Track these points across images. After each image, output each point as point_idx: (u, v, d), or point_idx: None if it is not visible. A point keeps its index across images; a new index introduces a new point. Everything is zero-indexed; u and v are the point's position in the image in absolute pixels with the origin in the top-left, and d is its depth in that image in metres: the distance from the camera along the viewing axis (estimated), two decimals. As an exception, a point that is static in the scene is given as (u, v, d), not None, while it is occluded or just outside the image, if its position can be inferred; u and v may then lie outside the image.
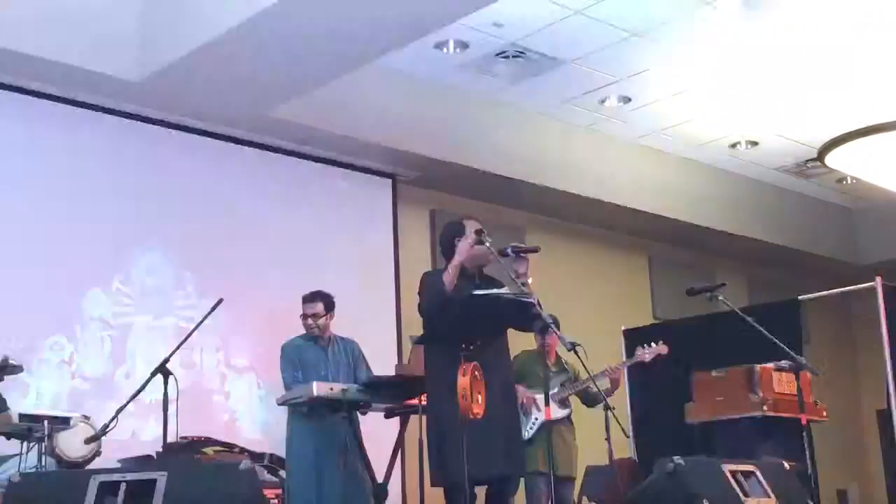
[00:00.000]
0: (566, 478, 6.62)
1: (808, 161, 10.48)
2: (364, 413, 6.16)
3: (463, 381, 4.45)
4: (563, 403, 6.71)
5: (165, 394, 5.04)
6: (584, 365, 5.07)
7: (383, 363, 7.00)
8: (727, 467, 4.36)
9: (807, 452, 6.11)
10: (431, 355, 5.13)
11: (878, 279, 7.05)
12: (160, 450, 5.54)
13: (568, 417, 6.75)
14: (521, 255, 5.11)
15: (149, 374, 5.19)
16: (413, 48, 7.58)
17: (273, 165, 8.14)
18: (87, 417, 6.02)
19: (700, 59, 8.23)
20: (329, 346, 6.33)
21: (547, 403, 5.06)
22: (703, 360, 6.90)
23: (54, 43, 6.62)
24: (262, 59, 6.75)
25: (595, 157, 9.68)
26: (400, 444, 6.34)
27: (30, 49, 6.55)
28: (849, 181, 11.09)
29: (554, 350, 6.68)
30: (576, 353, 4.83)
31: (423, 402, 5.39)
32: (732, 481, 4.30)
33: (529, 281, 5.06)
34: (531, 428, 6.47)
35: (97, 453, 5.77)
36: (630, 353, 7.23)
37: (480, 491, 5.02)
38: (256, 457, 6.60)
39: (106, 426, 5.37)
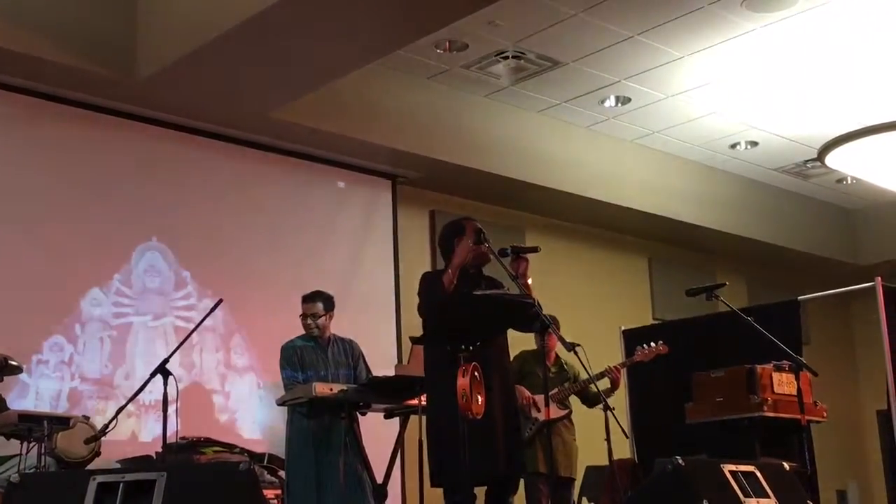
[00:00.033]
0: (566, 478, 6.63)
1: (807, 161, 10.49)
2: (364, 413, 6.16)
3: (462, 381, 4.44)
4: (563, 404, 6.72)
5: (165, 394, 5.03)
6: (584, 365, 5.07)
7: (383, 363, 7.01)
8: (727, 468, 4.35)
9: (806, 453, 6.12)
10: (431, 356, 5.13)
11: (878, 279, 7.05)
12: (160, 450, 5.54)
13: (568, 418, 6.75)
14: (521, 255, 5.11)
15: (148, 375, 5.19)
16: (413, 48, 7.60)
17: (273, 166, 8.15)
18: (86, 418, 6.04)
19: (700, 60, 8.24)
20: (329, 346, 6.33)
21: (547, 404, 5.06)
22: (703, 361, 6.89)
23: (54, 43, 6.63)
24: (261, 60, 6.75)
25: (595, 158, 9.68)
26: (399, 445, 6.34)
27: (29, 49, 6.55)
28: (849, 181, 11.09)
29: (554, 350, 6.69)
30: (575, 353, 4.83)
31: (423, 403, 5.40)
32: (732, 482, 4.29)
33: (529, 281, 5.06)
34: (531, 428, 6.47)
35: (97, 453, 5.78)
36: (630, 353, 7.23)
37: (480, 491, 5.02)
38: (256, 457, 6.62)
39: (105, 426, 5.37)
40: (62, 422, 5.73)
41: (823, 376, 6.20)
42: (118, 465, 6.09)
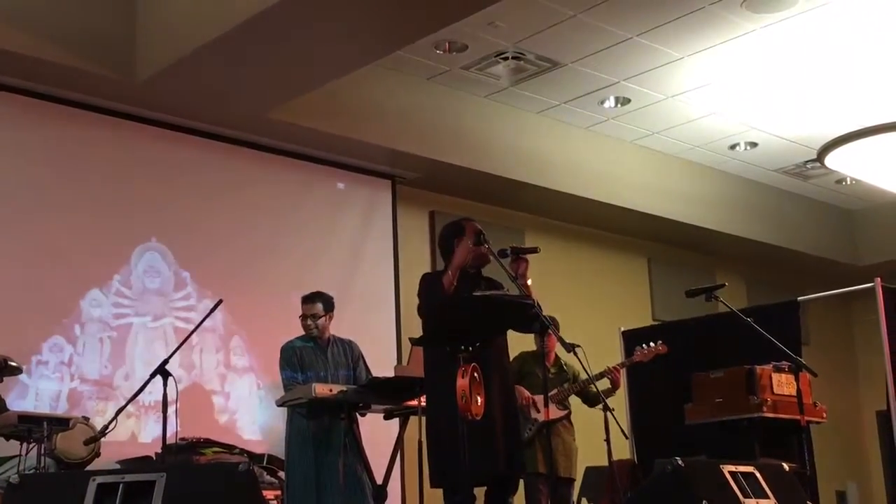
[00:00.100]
0: (566, 479, 6.63)
1: (807, 162, 10.49)
2: (363, 414, 6.16)
3: (462, 382, 4.44)
4: (563, 404, 6.72)
5: (165, 395, 5.04)
6: (583, 366, 5.07)
7: (383, 364, 7.00)
8: (726, 468, 4.35)
9: (806, 454, 6.12)
10: (431, 356, 5.13)
11: (878, 280, 7.05)
12: (159, 451, 5.54)
13: (567, 418, 6.75)
14: (521, 255, 5.11)
15: (148, 375, 5.19)
16: (412, 49, 7.60)
17: (273, 166, 8.15)
18: (86, 418, 6.04)
19: (699, 61, 8.24)
20: (328, 346, 6.33)
21: (546, 404, 5.06)
22: (703, 362, 6.89)
23: (54, 44, 6.63)
24: (261, 61, 6.75)
25: (594, 159, 9.68)
26: (399, 446, 6.34)
27: (29, 50, 6.55)
28: (848, 182, 11.10)
29: (553, 351, 6.69)
30: (575, 354, 4.84)
31: (423, 404, 5.40)
32: (732, 482, 4.29)
33: (529, 282, 5.07)
34: (530, 429, 6.47)
35: (96, 454, 5.78)
36: (629, 353, 7.23)
37: (480, 492, 5.02)
38: (255, 458, 6.62)
39: (105, 427, 5.37)
40: (62, 423, 5.73)
41: (823, 377, 6.21)
42: (118, 466, 6.09)
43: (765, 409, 6.28)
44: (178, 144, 7.67)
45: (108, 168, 7.31)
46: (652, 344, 6.87)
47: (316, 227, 8.29)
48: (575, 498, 7.01)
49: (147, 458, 6.54)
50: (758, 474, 4.47)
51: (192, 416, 6.65)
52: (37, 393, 6.69)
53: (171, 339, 7.24)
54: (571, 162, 9.50)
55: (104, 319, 7.10)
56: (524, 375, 6.54)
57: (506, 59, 8.11)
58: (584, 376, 6.55)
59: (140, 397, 5.57)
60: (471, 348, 4.55)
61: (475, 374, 4.51)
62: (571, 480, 6.75)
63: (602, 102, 9.03)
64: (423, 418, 5.27)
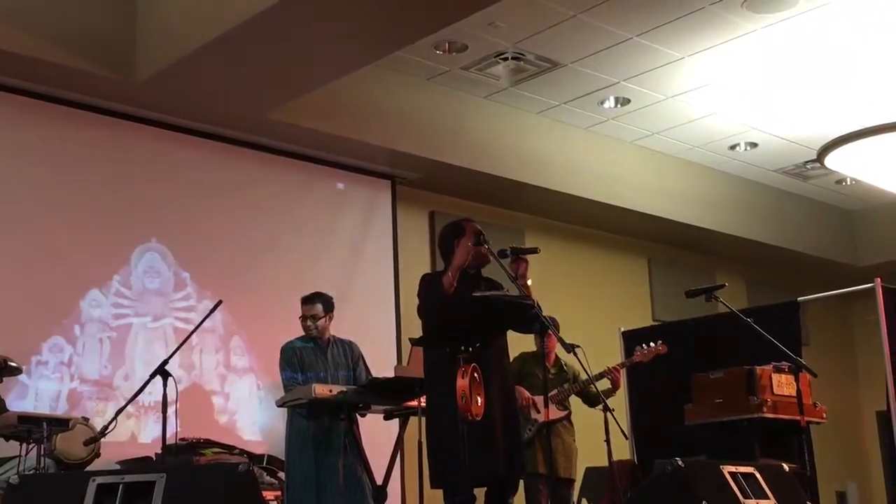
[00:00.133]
0: (566, 479, 6.63)
1: (807, 162, 10.49)
2: (363, 415, 6.16)
3: (462, 382, 4.44)
4: (563, 405, 6.72)
5: (164, 395, 5.04)
6: (583, 366, 5.07)
7: (382, 365, 7.00)
8: (726, 469, 4.35)
9: (806, 454, 6.12)
10: (430, 357, 5.13)
11: (878, 281, 7.05)
12: (159, 451, 5.54)
13: (567, 419, 6.75)
14: (521, 256, 5.11)
15: (148, 376, 5.19)
16: (412, 49, 7.60)
17: (272, 167, 8.15)
18: (86, 419, 6.04)
19: (699, 61, 8.24)
20: (328, 347, 6.33)
21: (546, 405, 5.06)
22: (703, 362, 6.90)
23: (54, 45, 6.63)
24: (261, 61, 6.75)
25: (594, 159, 9.68)
26: (399, 446, 6.34)
27: (28, 51, 6.55)
28: (848, 183, 11.10)
29: (553, 352, 6.69)
30: (575, 355, 4.84)
31: (423, 404, 5.39)
32: (732, 483, 4.29)
33: (529, 282, 5.07)
34: (530, 429, 6.47)
35: (96, 455, 5.78)
36: (629, 354, 7.23)
37: (480, 493, 5.02)
38: (255, 458, 6.62)
39: (105, 428, 5.38)
40: (61, 423, 5.73)
41: (823, 377, 6.21)
42: (118, 467, 6.10)
43: (765, 409, 6.28)
44: (178, 145, 7.67)
45: (108, 168, 7.31)
46: (652, 344, 6.87)
47: (316, 228, 8.29)
48: (575, 498, 7.01)
49: (147, 458, 6.54)
50: (758, 475, 4.47)
51: (192, 416, 6.64)
52: (36, 393, 6.69)
53: (170, 340, 7.24)
54: (571, 162, 9.50)
55: (104, 320, 7.10)
56: (524, 376, 6.53)
57: (506, 59, 8.11)
58: (584, 377, 6.55)
59: (140, 398, 5.57)
60: (471, 349, 4.55)
61: (475, 375, 4.51)
62: (571, 481, 6.75)
63: (602, 103, 9.03)
64: (423, 419, 5.27)
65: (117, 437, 6.26)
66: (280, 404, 6.01)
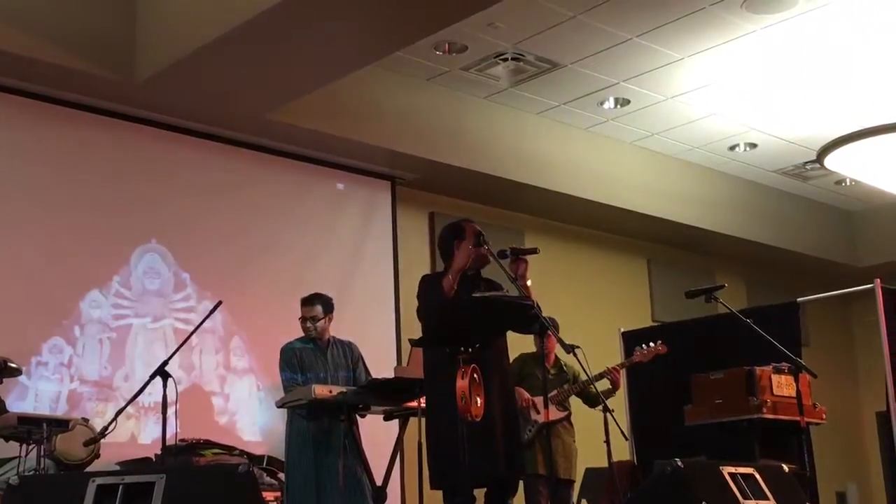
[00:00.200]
0: (565, 480, 6.63)
1: (806, 163, 10.49)
2: (363, 415, 6.16)
3: (462, 383, 4.44)
4: (563, 405, 6.72)
5: (164, 396, 5.04)
6: (583, 367, 5.07)
7: (382, 365, 7.00)
8: (726, 470, 4.35)
9: (806, 455, 6.12)
10: (430, 358, 5.13)
11: (877, 281, 7.05)
12: (159, 452, 5.54)
13: (567, 419, 6.75)
14: (520, 256, 5.11)
15: (148, 377, 5.19)
16: (412, 50, 7.60)
17: (272, 167, 8.15)
18: (85, 420, 6.04)
19: (699, 62, 8.24)
20: (328, 348, 6.33)
21: (546, 406, 5.06)
22: (702, 363, 6.89)
23: (53, 45, 6.63)
24: (261, 61, 6.75)
25: (594, 160, 9.68)
26: (399, 447, 6.34)
27: (28, 51, 6.55)
28: (848, 183, 11.10)
29: (553, 352, 6.69)
30: (575, 355, 4.84)
31: (422, 405, 5.39)
32: (731, 484, 4.29)
33: (528, 283, 5.06)
34: (530, 430, 6.47)
35: (96, 456, 5.78)
36: (629, 355, 7.23)
37: (480, 493, 5.02)
38: (255, 459, 6.62)
39: (105, 428, 5.38)
40: (61, 424, 5.73)
41: (823, 378, 6.20)
42: (117, 468, 6.09)
43: (764, 410, 6.28)
44: (177, 145, 7.67)
45: (108, 169, 7.31)
46: (651, 344, 6.87)
47: (315, 228, 8.29)
48: (575, 499, 7.00)
49: (147, 459, 6.54)
50: (757, 475, 4.47)
51: (192, 417, 6.64)
52: (36, 394, 6.69)
53: (170, 341, 7.23)
54: (571, 163, 9.50)
55: (104, 320, 7.10)
56: (524, 377, 6.53)
57: (505, 59, 8.11)
58: (584, 377, 6.55)
59: (140, 398, 5.56)
60: (470, 350, 4.55)
61: (475, 376, 4.51)
62: (571, 482, 6.74)
63: (602, 103, 9.03)
64: (423, 419, 5.27)
65: (117, 438, 6.26)
66: (280, 405, 6.01)
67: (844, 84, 8.72)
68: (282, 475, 6.37)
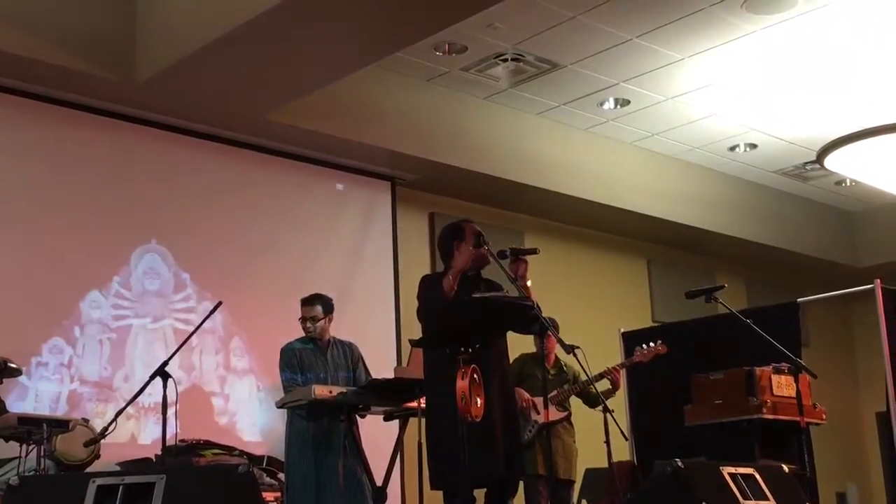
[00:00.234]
0: (565, 480, 6.62)
1: (806, 164, 10.49)
2: (363, 416, 6.16)
3: (462, 383, 4.44)
4: (563, 406, 6.72)
5: (164, 396, 5.04)
6: (583, 367, 5.07)
7: (382, 366, 7.00)
8: (726, 470, 4.35)
9: (806, 455, 6.12)
10: (430, 358, 5.13)
11: (877, 282, 7.05)
12: (159, 453, 5.54)
13: (567, 420, 6.75)
14: (520, 257, 5.11)
15: (148, 377, 5.19)
16: (412, 50, 7.61)
17: (272, 168, 8.15)
18: (85, 420, 6.04)
19: (699, 62, 8.24)
20: (328, 348, 6.33)
21: (546, 406, 5.06)
22: (702, 363, 6.90)
23: (54, 46, 6.63)
24: (261, 62, 6.75)
25: (594, 160, 9.69)
26: (399, 447, 6.34)
27: (29, 52, 6.55)
28: (848, 184, 11.10)
29: (553, 353, 6.69)
30: (575, 356, 4.84)
31: (423, 405, 5.39)
32: (731, 484, 4.29)
33: (528, 283, 5.06)
34: (530, 430, 6.47)
35: (96, 456, 5.78)
36: (629, 355, 7.22)
37: (479, 494, 5.02)
38: (255, 459, 6.62)
39: (105, 429, 5.38)
40: (61, 424, 5.73)
41: (823, 378, 6.20)
42: (117, 468, 6.10)
43: (764, 410, 6.28)
44: (177, 146, 7.67)
45: (108, 169, 7.31)
46: (651, 344, 6.87)
47: (316, 229, 8.29)
48: (574, 500, 7.00)
49: (147, 459, 6.54)
50: (757, 476, 4.47)
51: (192, 417, 6.64)
52: (36, 395, 6.69)
53: (170, 341, 7.23)
54: (571, 163, 9.50)
55: (104, 321, 7.10)
56: (524, 377, 6.53)
57: (505, 60, 8.11)
58: (584, 378, 6.55)
59: (140, 399, 5.57)
60: (470, 350, 4.55)
61: (475, 376, 4.51)
62: (571, 482, 6.74)
63: (601, 104, 9.03)
64: (423, 420, 5.27)
65: (117, 439, 6.26)
66: (280, 405, 6.02)
67: (844, 84, 8.72)
68: (282, 475, 6.37)
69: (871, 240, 12.02)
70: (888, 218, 11.73)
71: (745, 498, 4.28)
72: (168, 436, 5.03)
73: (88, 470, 5.62)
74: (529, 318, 4.80)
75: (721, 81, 8.61)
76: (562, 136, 9.45)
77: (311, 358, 6.25)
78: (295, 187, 8.25)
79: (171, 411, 5.01)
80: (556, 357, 6.79)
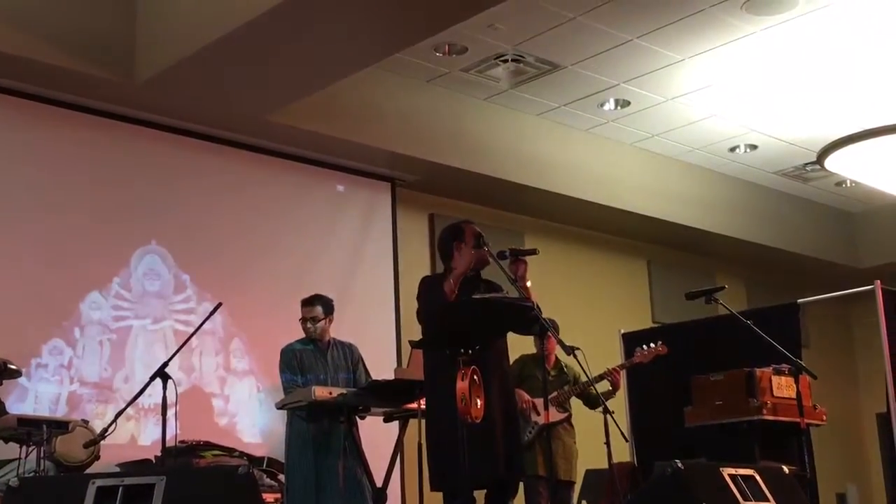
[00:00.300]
0: (566, 482, 6.62)
1: (807, 164, 10.50)
2: (363, 417, 6.16)
3: (462, 385, 4.44)
4: (563, 407, 6.71)
5: (164, 398, 5.04)
6: (583, 368, 5.07)
7: (382, 367, 7.00)
8: (726, 471, 4.35)
9: (806, 456, 6.11)
10: (430, 359, 5.13)
11: (878, 283, 7.05)
12: (159, 454, 5.54)
13: (567, 421, 6.74)
14: (520, 257, 5.11)
15: (148, 378, 5.19)
16: (412, 51, 7.61)
17: (272, 169, 8.15)
18: (85, 422, 6.04)
19: (699, 63, 8.24)
20: (328, 349, 6.33)
21: (546, 407, 5.05)
22: (702, 364, 6.90)
23: (54, 46, 6.63)
24: (261, 63, 6.75)
25: (594, 161, 9.69)
26: (399, 448, 6.33)
27: (29, 53, 6.55)
28: (848, 184, 11.10)
29: (553, 354, 6.69)
30: (575, 357, 4.84)
31: (422, 407, 5.39)
32: (732, 485, 4.29)
33: (528, 284, 5.06)
34: (531, 432, 6.47)
35: (96, 457, 5.78)
36: (629, 356, 7.22)
37: (480, 495, 5.02)
38: (255, 461, 6.62)
39: (105, 430, 5.37)
40: (61, 426, 5.72)
41: (823, 379, 6.20)
42: (117, 469, 6.10)
43: (764, 411, 6.28)
44: (177, 147, 7.67)
45: (108, 170, 7.31)
46: (652, 345, 6.86)
47: (316, 230, 8.29)
48: (575, 501, 7.00)
49: (147, 461, 6.53)
50: (758, 477, 4.47)
51: (192, 418, 6.64)
52: (36, 396, 6.68)
53: (170, 342, 7.23)
54: (571, 164, 9.50)
55: (104, 322, 7.10)
56: (524, 378, 6.53)
57: (505, 61, 8.11)
58: (584, 379, 6.55)
59: (140, 400, 5.57)
60: (470, 351, 4.55)
61: (475, 377, 4.51)
62: (571, 483, 6.74)
63: (602, 105, 9.03)
64: (423, 421, 5.26)
65: (117, 440, 6.25)
66: (280, 406, 6.01)
67: (845, 85, 8.72)
68: (282, 477, 6.37)
69: (871, 241, 12.02)
70: (888, 219, 11.73)
71: (746, 499, 4.28)
72: (168, 437, 5.02)
73: (88, 471, 5.62)
74: (529, 319, 4.79)
75: (721, 82, 8.61)
76: (562, 137, 9.45)
77: (311, 359, 6.24)
78: (295, 188, 8.25)
79: (171, 412, 5.01)
80: (557, 358, 6.79)
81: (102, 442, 5.61)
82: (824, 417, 6.57)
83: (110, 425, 5.26)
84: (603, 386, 6.53)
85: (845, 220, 12.18)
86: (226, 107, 7.40)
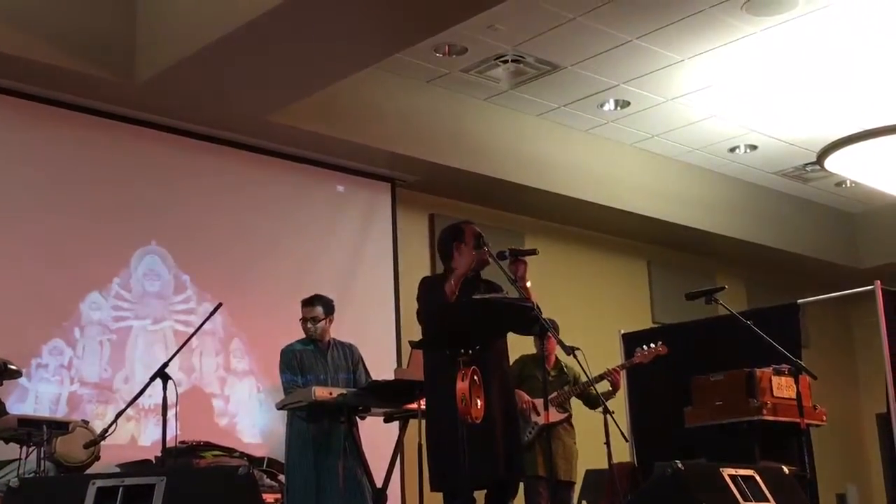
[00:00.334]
0: (566, 482, 6.62)
1: (807, 165, 10.50)
2: (363, 417, 6.16)
3: (462, 385, 4.44)
4: (563, 407, 6.71)
5: (164, 398, 5.04)
6: (583, 369, 5.07)
7: (382, 367, 7.01)
8: (726, 472, 4.35)
9: (806, 457, 6.11)
10: (430, 360, 5.13)
11: (878, 283, 7.05)
12: (159, 454, 5.54)
13: (568, 421, 6.74)
14: (520, 258, 5.11)
15: (148, 379, 5.19)
16: (412, 52, 7.61)
17: (272, 169, 8.15)
18: (85, 422, 6.04)
19: (699, 64, 8.24)
20: (328, 350, 6.33)
21: (546, 408, 5.06)
22: (702, 364, 6.90)
23: (54, 47, 6.63)
24: (261, 63, 6.75)
25: (594, 161, 9.69)
26: (399, 449, 6.34)
27: (29, 53, 6.55)
28: (848, 185, 11.10)
29: (553, 354, 6.69)
30: (575, 357, 4.84)
31: (423, 407, 5.39)
32: (732, 486, 4.29)
33: (528, 284, 5.06)
34: (531, 432, 6.47)
35: (96, 458, 5.78)
36: (629, 356, 7.22)
37: (480, 495, 5.02)
38: (255, 461, 6.62)
39: (105, 431, 5.37)
40: (61, 426, 5.73)
41: (823, 380, 6.20)
42: (117, 470, 6.10)
43: (764, 411, 6.28)
44: (177, 147, 7.67)
45: (108, 171, 7.31)
46: (652, 345, 6.86)
47: (316, 230, 8.29)
48: (575, 501, 7.00)
49: (147, 461, 6.53)
50: (758, 477, 4.47)
51: (192, 419, 6.65)
52: (36, 396, 6.68)
53: (170, 343, 7.23)
54: (571, 165, 9.50)
55: (104, 322, 7.10)
56: (524, 379, 6.53)
57: (505, 61, 8.11)
58: (584, 379, 6.55)
59: (140, 400, 5.57)
60: (470, 352, 4.55)
61: (475, 378, 4.51)
62: (571, 483, 6.74)
63: (602, 105, 9.03)
64: (423, 421, 5.26)
65: (117, 440, 6.25)
66: (280, 407, 6.01)
67: (845, 86, 8.72)
68: (282, 477, 6.37)
69: (871, 241, 12.02)
70: (888, 219, 11.73)
71: (746, 499, 4.28)
72: (168, 437, 5.03)
73: (88, 471, 5.62)
74: (529, 320, 4.79)
75: (721, 83, 8.61)
76: (562, 138, 9.45)
77: (311, 359, 6.24)
78: (295, 189, 8.25)
79: (171, 413, 5.01)
80: (557, 358, 6.79)
81: (102, 442, 5.61)
82: (824, 418, 6.57)
83: (110, 426, 5.26)
84: (603, 386, 6.53)
85: (845, 220, 12.18)
86: (226, 107, 7.40)
